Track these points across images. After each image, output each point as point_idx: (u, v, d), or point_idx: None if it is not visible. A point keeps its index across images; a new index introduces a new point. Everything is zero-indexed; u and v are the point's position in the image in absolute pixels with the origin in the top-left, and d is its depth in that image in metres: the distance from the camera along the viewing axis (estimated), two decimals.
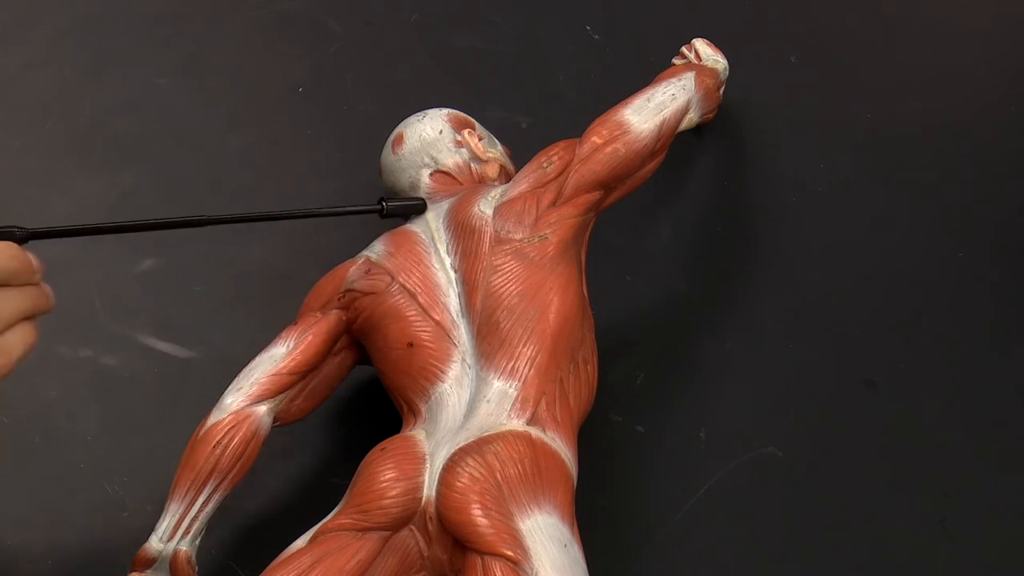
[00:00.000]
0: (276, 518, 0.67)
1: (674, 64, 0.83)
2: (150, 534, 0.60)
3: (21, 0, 0.95)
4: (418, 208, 0.69)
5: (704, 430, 0.72)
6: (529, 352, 0.61)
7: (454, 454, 0.56)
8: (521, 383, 0.60)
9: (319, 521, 0.57)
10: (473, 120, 0.77)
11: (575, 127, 0.70)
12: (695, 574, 0.66)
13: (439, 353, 0.62)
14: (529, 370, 0.60)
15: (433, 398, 0.62)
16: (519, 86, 0.91)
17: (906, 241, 0.83)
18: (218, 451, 0.60)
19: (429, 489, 0.56)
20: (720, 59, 0.84)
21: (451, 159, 0.73)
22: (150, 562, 0.59)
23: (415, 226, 0.68)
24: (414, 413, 0.62)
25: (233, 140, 0.87)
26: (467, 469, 0.55)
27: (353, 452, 0.61)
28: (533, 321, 0.62)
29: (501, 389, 0.60)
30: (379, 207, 0.68)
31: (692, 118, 0.76)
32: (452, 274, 0.65)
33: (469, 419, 0.59)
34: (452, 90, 0.90)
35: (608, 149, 0.68)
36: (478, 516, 0.54)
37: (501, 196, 0.67)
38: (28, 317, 0.52)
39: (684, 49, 0.85)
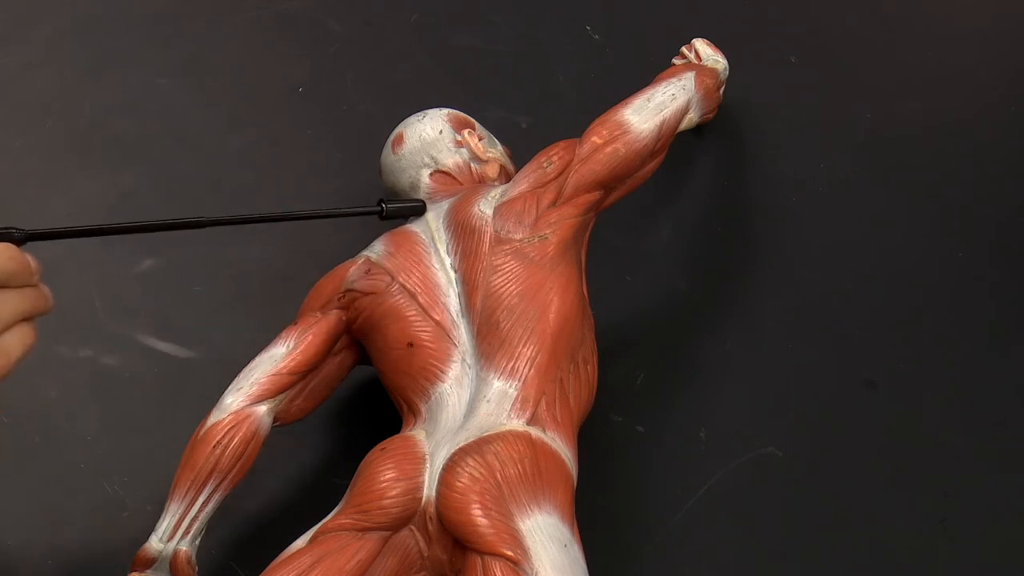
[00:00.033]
0: (276, 518, 0.67)
1: (674, 64, 0.83)
2: (150, 534, 0.60)
3: (21, 0, 0.95)
4: (418, 210, 0.69)
5: (704, 430, 0.72)
6: (529, 352, 0.61)
7: (454, 454, 0.56)
8: (521, 383, 0.60)
9: (319, 521, 0.57)
10: (473, 120, 0.77)
11: (575, 127, 0.70)
12: (695, 574, 0.66)
13: (439, 353, 0.62)
14: (529, 370, 0.60)
15: (433, 398, 0.62)
16: (519, 86, 0.91)
17: (906, 241, 0.83)
18: (218, 451, 0.60)
19: (429, 489, 0.56)
20: (720, 59, 0.84)
21: (451, 159, 0.73)
22: (150, 562, 0.59)
23: (415, 226, 0.68)
24: (414, 413, 0.62)
25: (233, 140, 0.87)
26: (467, 469, 0.55)
27: (353, 452, 0.61)
28: (533, 321, 0.62)
29: (501, 389, 0.60)
30: (379, 209, 0.68)
31: (692, 118, 0.76)
32: (452, 274, 0.65)
33: (469, 419, 0.59)
34: (452, 90, 0.90)
35: (608, 149, 0.68)
36: (478, 516, 0.54)
37: (501, 196, 0.67)
38: (27, 318, 0.52)
39: (684, 49, 0.85)
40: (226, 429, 0.61)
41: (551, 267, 0.64)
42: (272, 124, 0.88)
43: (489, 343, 0.61)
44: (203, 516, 0.60)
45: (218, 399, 0.62)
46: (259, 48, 0.94)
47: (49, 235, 0.55)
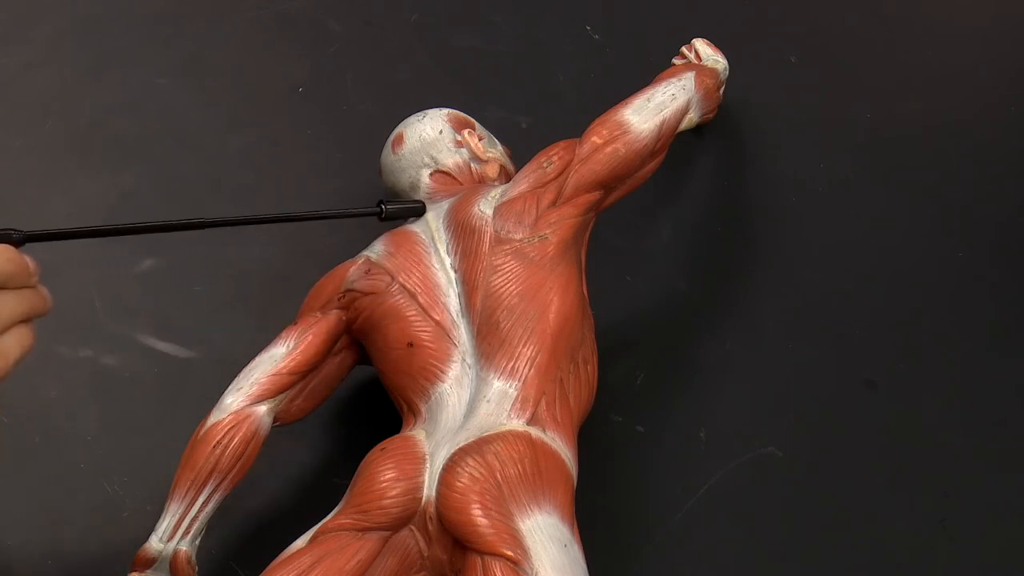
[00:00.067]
0: (276, 518, 0.67)
1: (674, 64, 0.83)
2: (150, 534, 0.60)
3: (21, 0, 0.95)
4: (417, 211, 0.69)
5: (704, 430, 0.72)
6: (529, 352, 0.61)
7: (454, 454, 0.56)
8: (521, 383, 0.60)
9: (319, 521, 0.57)
10: (473, 120, 0.77)
11: (575, 127, 0.70)
12: (695, 574, 0.66)
13: (439, 353, 0.62)
14: (529, 370, 0.60)
15: (433, 398, 0.62)
16: (519, 86, 0.91)
17: (906, 241, 0.83)
18: (218, 451, 0.60)
19: (429, 489, 0.56)
20: (720, 59, 0.84)
21: (451, 159, 0.73)
22: (150, 562, 0.59)
23: (415, 226, 0.68)
24: (414, 413, 0.62)
25: (233, 140, 0.87)
26: (467, 469, 0.55)
27: (353, 452, 0.61)
28: (533, 321, 0.62)
29: (501, 389, 0.60)
30: (378, 210, 0.68)
31: (692, 118, 0.76)
32: (452, 274, 0.65)
33: (469, 419, 0.59)
34: (452, 90, 0.90)
35: (608, 149, 0.68)
36: (478, 516, 0.54)
37: (501, 196, 0.67)
38: (25, 320, 0.52)
39: (684, 49, 0.85)
40: (226, 429, 0.61)
41: (551, 267, 0.64)
42: (272, 124, 0.88)
43: (489, 343, 0.61)
44: (203, 516, 0.60)
45: (218, 399, 0.62)
46: (259, 48, 0.94)
47: (48, 236, 0.55)
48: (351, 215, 0.70)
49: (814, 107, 0.91)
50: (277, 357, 0.64)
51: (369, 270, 0.66)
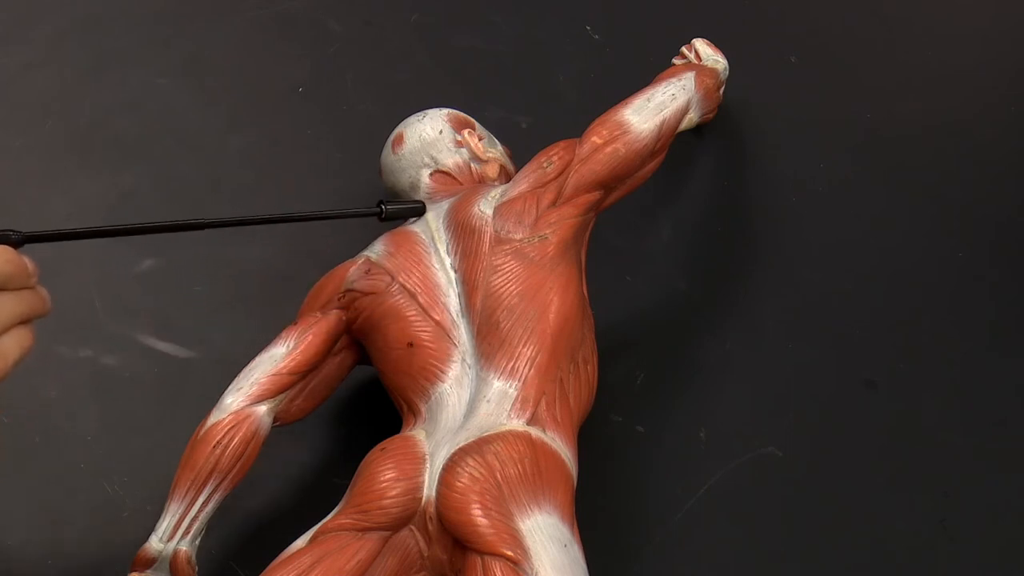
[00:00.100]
0: (276, 518, 0.67)
1: (674, 64, 0.83)
2: (150, 534, 0.60)
3: (21, 0, 0.95)
4: (417, 211, 0.69)
5: (704, 430, 0.72)
6: (529, 352, 0.61)
7: (454, 454, 0.56)
8: (521, 383, 0.60)
9: (319, 521, 0.57)
10: (473, 120, 0.77)
11: (575, 127, 0.70)
12: (695, 574, 0.66)
13: (439, 353, 0.62)
14: (529, 370, 0.60)
15: (433, 398, 0.62)
16: (519, 86, 0.91)
17: (906, 241, 0.83)
18: (218, 451, 0.60)
19: (429, 489, 0.56)
20: (720, 59, 0.84)
21: (451, 159, 0.73)
22: (150, 562, 0.59)
23: (415, 226, 0.68)
24: (414, 413, 0.62)
25: (233, 140, 0.87)
26: (467, 469, 0.55)
27: (353, 452, 0.61)
28: (533, 321, 0.62)
29: (501, 389, 0.60)
30: (378, 210, 0.68)
31: (692, 118, 0.76)
32: (452, 274, 0.65)
33: (469, 419, 0.59)
34: (452, 90, 0.90)
35: (608, 149, 0.68)
36: (478, 516, 0.54)
37: (501, 196, 0.67)
38: (24, 321, 0.52)
39: (684, 49, 0.85)
40: (226, 429, 0.61)
41: (551, 267, 0.64)
42: (272, 124, 0.88)
43: (489, 343, 0.61)
44: (203, 516, 0.60)
45: (218, 399, 0.62)
46: (259, 48, 0.94)
47: (47, 237, 0.55)
48: (351, 215, 0.70)
49: (814, 107, 0.91)
50: (277, 357, 0.64)
51: (369, 270, 0.66)
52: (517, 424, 0.59)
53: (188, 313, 0.76)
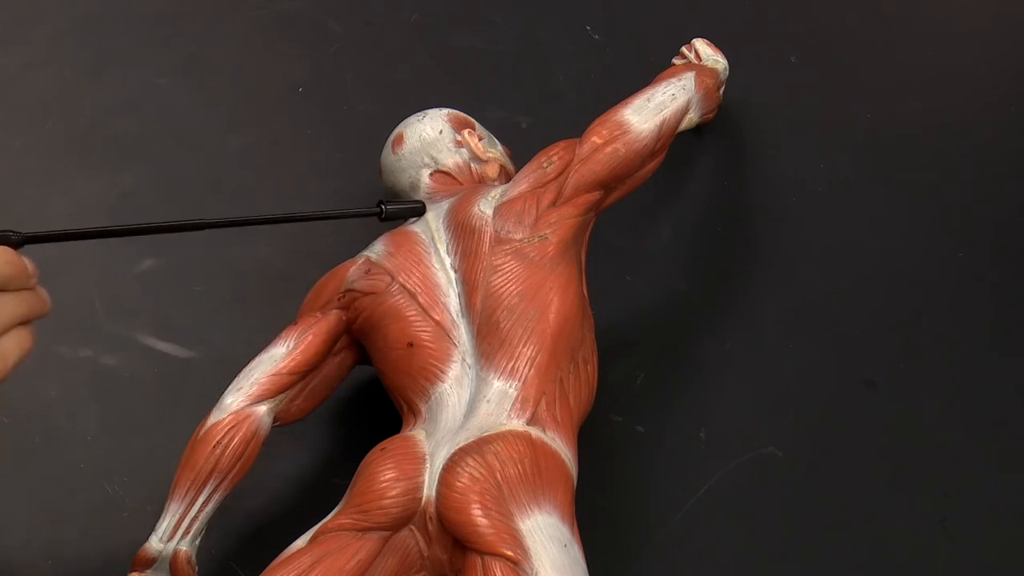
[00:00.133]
0: (276, 518, 0.67)
1: (674, 64, 0.83)
2: (150, 534, 0.60)
3: (21, 0, 0.95)
4: (417, 211, 0.69)
5: (704, 430, 0.72)
6: (529, 352, 0.61)
7: (454, 454, 0.56)
8: (521, 383, 0.60)
9: (319, 521, 0.57)
10: (473, 120, 0.77)
11: (575, 127, 0.70)
12: (695, 574, 0.66)
13: (439, 353, 0.62)
14: (529, 370, 0.60)
15: (433, 398, 0.62)
16: (519, 86, 0.91)
17: (906, 241, 0.83)
18: (218, 451, 0.60)
19: (429, 489, 0.56)
20: (720, 59, 0.84)
21: (451, 159, 0.73)
22: (150, 562, 0.59)
23: (415, 226, 0.68)
24: (414, 413, 0.62)
25: (233, 140, 0.87)
26: (467, 469, 0.55)
27: (353, 452, 0.61)
28: (533, 321, 0.62)
29: (501, 389, 0.60)
30: (378, 210, 0.68)
31: (692, 118, 0.76)
32: (452, 274, 0.65)
33: (469, 419, 0.59)
34: (452, 90, 0.90)
35: (608, 149, 0.68)
36: (478, 516, 0.54)
37: (501, 196, 0.67)
38: (24, 322, 0.52)
39: (684, 49, 0.85)
40: (226, 429, 0.61)
41: (551, 267, 0.64)
42: (272, 124, 0.88)
43: (489, 343, 0.61)
44: (203, 516, 0.60)
45: (218, 399, 0.62)
46: (259, 48, 0.94)
47: (46, 238, 0.54)
48: (351, 215, 0.70)
49: (814, 107, 0.91)
50: (277, 357, 0.64)
51: (369, 270, 0.66)
52: (517, 424, 0.59)
53: (188, 313, 0.76)
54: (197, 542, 0.61)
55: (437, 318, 0.63)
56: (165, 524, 0.60)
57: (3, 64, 0.90)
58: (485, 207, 0.66)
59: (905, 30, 0.99)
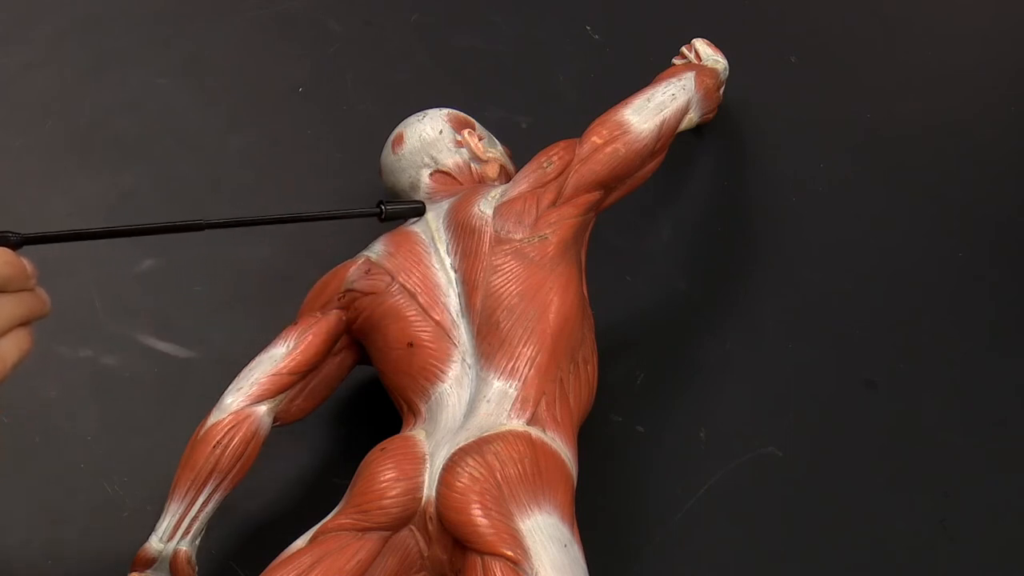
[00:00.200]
0: (276, 518, 0.67)
1: (674, 64, 0.83)
2: (150, 534, 0.60)
3: (21, 0, 0.95)
4: (417, 211, 0.69)
5: (704, 430, 0.72)
6: (529, 352, 0.61)
7: (454, 454, 0.56)
8: (521, 383, 0.60)
9: (319, 521, 0.57)
10: (473, 120, 0.77)
11: (575, 127, 0.70)
12: (695, 574, 0.66)
13: (439, 353, 0.62)
14: (529, 370, 0.60)
15: (433, 398, 0.62)
16: (519, 86, 0.91)
17: (906, 241, 0.83)
18: (218, 451, 0.60)
19: (429, 489, 0.56)
20: (720, 59, 0.84)
21: (451, 159, 0.73)
22: (150, 562, 0.59)
23: (415, 226, 0.68)
24: (414, 413, 0.62)
25: (233, 140, 0.87)
26: (467, 469, 0.55)
27: (353, 452, 0.61)
28: (533, 321, 0.62)
29: (501, 389, 0.60)
30: (378, 210, 0.68)
31: (692, 118, 0.76)
32: (452, 274, 0.65)
33: (469, 419, 0.59)
34: (452, 90, 0.90)
35: (608, 149, 0.68)
36: (478, 516, 0.54)
37: (501, 196, 0.67)
38: (23, 323, 0.52)
39: (684, 49, 0.85)
40: (226, 429, 0.61)
41: (551, 267, 0.64)
42: (272, 124, 0.88)
43: (489, 343, 0.61)
44: (203, 516, 0.60)
45: (218, 399, 0.62)
46: (259, 48, 0.94)
47: (45, 239, 0.54)
48: (351, 216, 0.70)
49: (814, 107, 0.91)
50: (277, 357, 0.64)
51: (369, 270, 0.66)
52: (517, 424, 0.59)
53: (188, 313, 0.76)
54: (197, 542, 0.61)
55: (437, 318, 0.63)
56: (165, 524, 0.60)
57: (3, 64, 0.90)
58: (485, 207, 0.66)
59: (905, 30, 0.99)
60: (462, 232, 0.66)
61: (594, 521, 0.61)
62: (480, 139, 0.75)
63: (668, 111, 0.72)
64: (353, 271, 0.67)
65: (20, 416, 0.70)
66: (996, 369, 0.76)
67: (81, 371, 0.73)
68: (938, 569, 0.67)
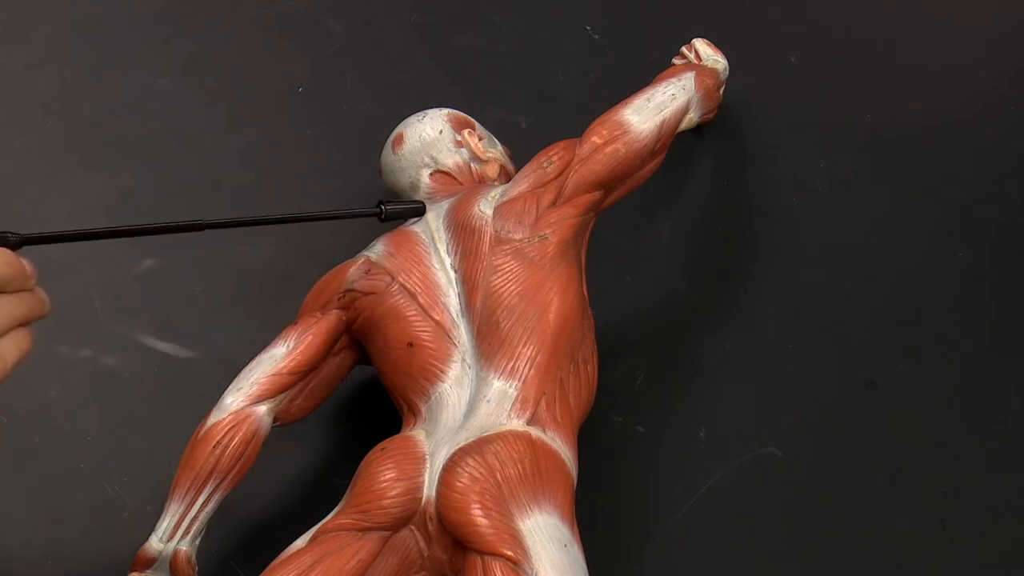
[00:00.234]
0: (276, 518, 0.67)
1: (674, 64, 0.83)
2: (150, 534, 0.60)
3: (21, 0, 0.95)
4: (417, 211, 0.69)
5: (704, 430, 0.72)
6: (529, 352, 0.61)
7: (454, 454, 0.56)
8: (521, 383, 0.60)
9: (319, 521, 0.57)
10: (473, 120, 0.77)
11: (575, 127, 0.70)
12: (695, 574, 0.66)
13: (439, 353, 0.62)
14: (529, 370, 0.60)
15: (433, 398, 0.62)
16: (519, 86, 0.91)
17: (906, 241, 0.83)
18: (218, 451, 0.60)
19: (429, 489, 0.56)
20: (720, 59, 0.84)
21: (451, 159, 0.73)
22: (150, 562, 0.59)
23: (415, 226, 0.68)
24: (414, 413, 0.62)
25: (233, 140, 0.87)
26: (467, 469, 0.55)
27: (353, 452, 0.61)
28: (533, 321, 0.62)
29: (501, 389, 0.60)
30: (378, 211, 0.68)
31: (692, 118, 0.76)
32: (452, 274, 0.65)
33: (469, 419, 0.59)
34: (452, 90, 0.90)
35: (608, 149, 0.68)
36: (478, 516, 0.54)
37: (501, 196, 0.67)
38: (23, 323, 0.52)
39: (684, 49, 0.85)
40: (226, 429, 0.61)
41: (551, 267, 0.64)
42: (272, 124, 0.88)
43: (489, 343, 0.61)
44: (203, 516, 0.60)
45: (218, 399, 0.62)
46: (259, 48, 0.94)
47: (45, 239, 0.54)
48: (351, 216, 0.70)
49: (814, 107, 0.91)
50: (277, 357, 0.64)
51: (369, 270, 0.66)
52: (517, 424, 0.59)
53: (188, 313, 0.76)
54: (197, 542, 0.61)
55: (437, 318, 0.63)
56: (165, 524, 0.60)
57: (3, 64, 0.90)
58: (485, 207, 0.66)
59: (905, 30, 0.99)
60: (462, 232, 0.66)
61: (594, 521, 0.61)
62: (480, 139, 0.75)
63: (668, 111, 0.72)
64: (353, 271, 0.67)
65: (20, 416, 0.70)
66: (996, 369, 0.76)
67: (81, 371, 0.73)
68: (938, 569, 0.67)
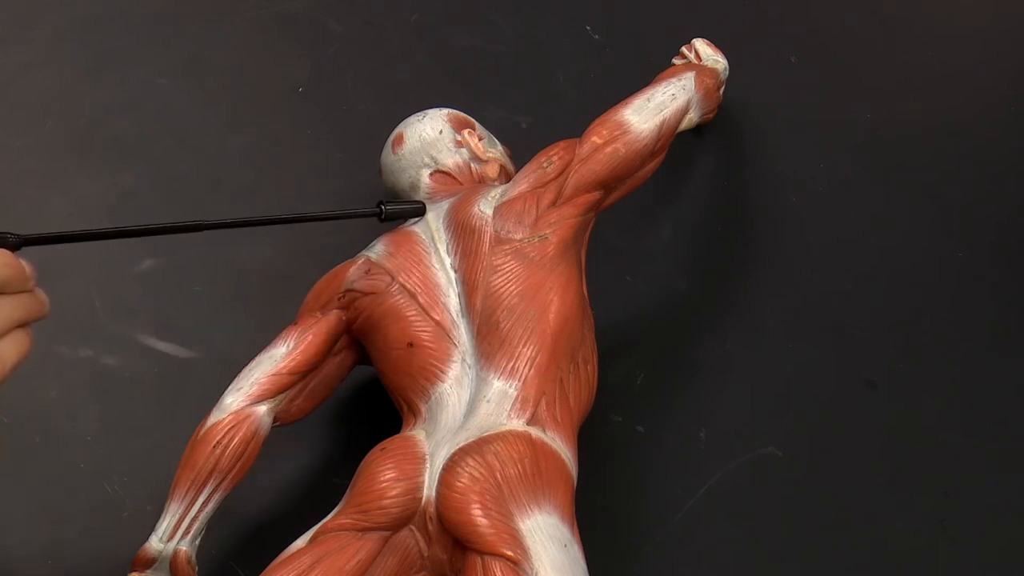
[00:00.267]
0: (276, 518, 0.67)
1: (674, 64, 0.83)
2: (150, 534, 0.60)
3: (21, 0, 0.95)
4: (417, 211, 0.69)
5: (704, 430, 0.72)
6: (529, 352, 0.61)
7: (454, 454, 0.56)
8: (521, 383, 0.60)
9: (319, 521, 0.57)
10: (473, 120, 0.77)
11: (575, 127, 0.70)
12: (695, 574, 0.66)
13: (439, 353, 0.62)
14: (529, 370, 0.60)
15: (433, 398, 0.62)
16: (519, 86, 0.91)
17: (906, 241, 0.83)
18: (218, 451, 0.60)
19: (429, 489, 0.56)
20: (720, 59, 0.84)
21: (451, 159, 0.73)
22: (150, 562, 0.59)
23: (415, 226, 0.68)
24: (414, 413, 0.62)
25: (233, 140, 0.87)
26: (467, 469, 0.55)
27: (353, 452, 0.61)
28: (533, 321, 0.62)
29: (501, 389, 0.60)
30: (378, 211, 0.68)
31: (692, 118, 0.76)
32: (452, 274, 0.65)
33: (469, 419, 0.59)
34: (452, 90, 0.90)
35: (608, 149, 0.68)
36: (478, 516, 0.54)
37: (501, 196, 0.67)
38: (22, 324, 0.52)
39: (684, 49, 0.85)
40: (226, 429, 0.61)
41: (551, 267, 0.64)
42: (272, 124, 0.88)
43: (489, 343, 0.61)
44: (203, 516, 0.60)
45: (218, 399, 0.62)
46: (259, 48, 0.94)
47: (44, 240, 0.54)
48: (351, 216, 0.70)
49: (814, 107, 0.91)
50: (277, 357, 0.64)
51: (369, 270, 0.66)
52: (517, 424, 0.59)
53: (188, 313, 0.76)
54: (197, 542, 0.61)
55: (437, 318, 0.63)
56: (165, 524, 0.60)
57: (3, 64, 0.90)
58: (485, 207, 0.66)
59: (905, 30, 0.99)
60: (462, 232, 0.66)
61: (594, 521, 0.61)
62: (480, 139, 0.75)
63: (668, 111, 0.72)
64: (353, 271, 0.67)
65: (20, 416, 0.70)
66: (996, 369, 0.76)
67: (81, 371, 0.73)
68: (938, 569, 0.67)
